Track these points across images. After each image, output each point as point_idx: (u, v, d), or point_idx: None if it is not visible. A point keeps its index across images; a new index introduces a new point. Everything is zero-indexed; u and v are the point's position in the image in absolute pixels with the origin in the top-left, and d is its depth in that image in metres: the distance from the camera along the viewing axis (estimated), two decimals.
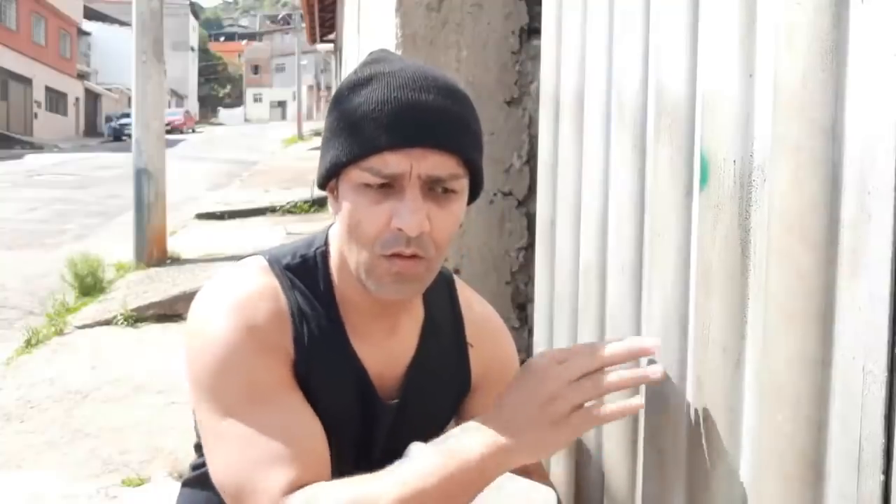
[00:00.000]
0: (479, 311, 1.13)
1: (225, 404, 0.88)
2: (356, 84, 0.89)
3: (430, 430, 1.01)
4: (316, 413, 0.93)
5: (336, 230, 0.98)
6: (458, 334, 1.10)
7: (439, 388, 1.07)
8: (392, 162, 0.85)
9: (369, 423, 1.00)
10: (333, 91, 0.98)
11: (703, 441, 0.89)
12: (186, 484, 1.12)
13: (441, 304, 1.08)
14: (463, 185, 0.90)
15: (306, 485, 0.84)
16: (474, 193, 0.95)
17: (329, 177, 0.92)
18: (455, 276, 1.15)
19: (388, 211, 0.86)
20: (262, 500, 0.83)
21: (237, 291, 0.93)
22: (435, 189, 0.87)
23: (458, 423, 1.08)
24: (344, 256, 0.94)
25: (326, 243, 1.00)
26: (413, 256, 0.87)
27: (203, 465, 1.05)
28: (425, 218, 0.86)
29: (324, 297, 0.97)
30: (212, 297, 0.94)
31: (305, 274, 0.98)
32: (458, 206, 0.90)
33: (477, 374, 1.11)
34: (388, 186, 0.86)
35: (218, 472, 0.88)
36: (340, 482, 0.85)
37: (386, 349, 1.01)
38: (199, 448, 1.08)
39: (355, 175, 0.87)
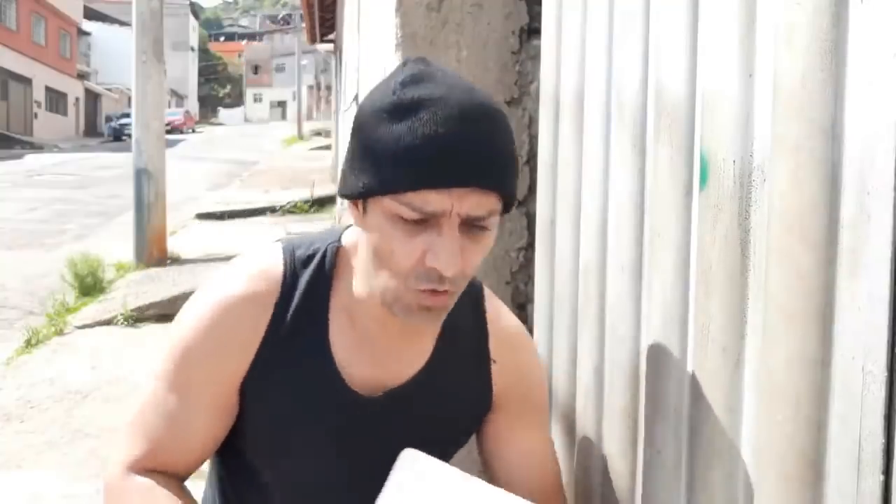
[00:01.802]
0: (506, 325, 1.09)
1: (164, 370, 0.98)
2: (399, 109, 0.83)
3: (441, 441, 1.03)
4: (280, 399, 0.97)
5: (355, 236, 0.98)
6: (480, 347, 1.06)
7: (452, 399, 1.04)
8: (433, 201, 0.82)
9: (345, 416, 0.98)
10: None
11: (703, 441, 0.89)
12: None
13: (464, 313, 1.04)
14: (497, 219, 0.88)
15: (149, 473, 0.96)
16: (505, 209, 0.92)
17: (358, 197, 0.89)
18: (486, 288, 1.10)
19: (423, 245, 0.84)
20: (114, 455, 0.99)
21: (226, 292, 0.97)
22: (471, 225, 0.85)
23: (479, 443, 1.10)
24: (362, 270, 0.95)
25: (340, 240, 1.01)
26: (445, 291, 0.87)
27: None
28: (461, 257, 0.85)
29: (319, 291, 0.99)
30: (212, 283, 1.00)
31: (311, 267, 0.99)
32: (490, 239, 0.89)
33: (499, 392, 1.07)
34: (424, 221, 0.84)
35: (136, 402, 1.01)
36: (156, 493, 0.94)
37: (385, 352, 1.00)
38: None
39: (391, 206, 0.84)
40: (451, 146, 0.82)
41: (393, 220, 0.85)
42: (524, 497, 0.95)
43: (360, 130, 0.88)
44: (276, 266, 0.99)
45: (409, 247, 0.85)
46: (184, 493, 0.97)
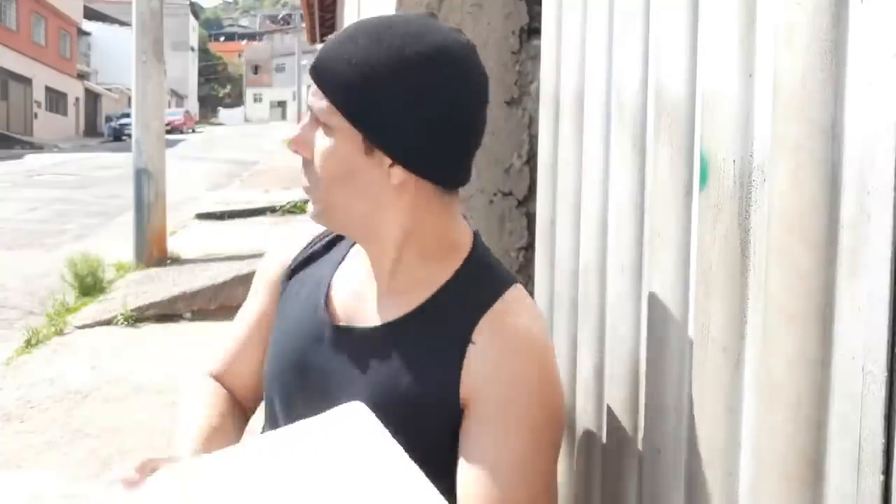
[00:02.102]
0: (511, 322, 0.96)
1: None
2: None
3: (397, 416, 0.89)
4: (283, 315, 1.09)
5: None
6: (466, 325, 0.95)
7: (414, 362, 0.95)
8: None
9: (311, 340, 1.03)
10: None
11: (703, 441, 0.89)
12: None
13: (471, 292, 0.98)
14: (341, 131, 0.93)
15: (219, 377, 1.15)
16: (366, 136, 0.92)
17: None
18: (521, 290, 1.01)
19: None
20: (207, 359, 1.18)
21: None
22: (319, 122, 0.95)
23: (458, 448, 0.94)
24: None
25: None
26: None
27: None
28: (301, 136, 0.98)
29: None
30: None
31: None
32: (329, 145, 0.95)
33: (471, 383, 0.93)
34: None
35: None
36: (206, 393, 1.12)
37: (379, 298, 1.00)
38: None
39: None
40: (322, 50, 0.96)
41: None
42: None
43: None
44: None
45: None
46: (231, 414, 1.11)
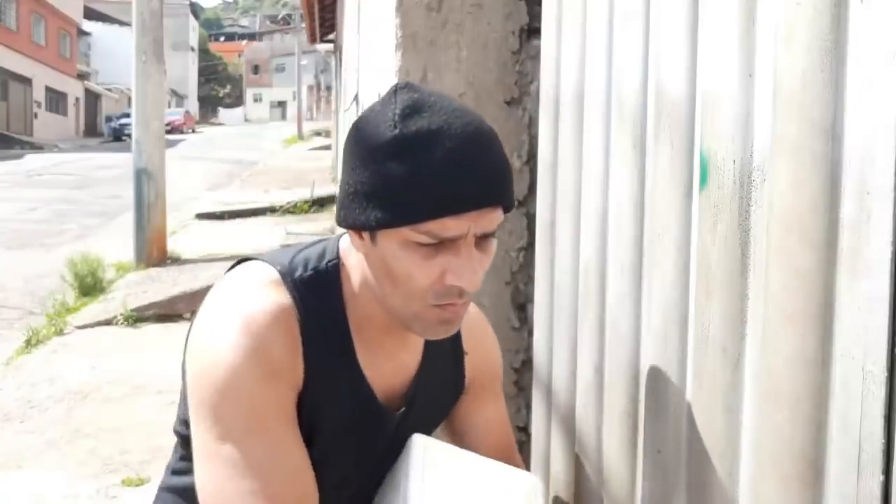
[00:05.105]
0: (473, 318, 1.15)
1: (223, 428, 0.88)
2: (402, 143, 0.85)
3: (429, 426, 1.11)
4: (321, 425, 0.95)
5: (349, 247, 0.98)
6: (456, 342, 1.12)
7: (439, 394, 1.11)
8: (452, 226, 0.85)
9: (374, 433, 1.03)
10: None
11: (703, 441, 0.89)
12: (168, 490, 1.10)
13: None
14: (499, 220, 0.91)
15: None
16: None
17: (370, 230, 0.89)
18: None
19: (441, 266, 0.87)
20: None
21: (248, 310, 0.91)
22: (481, 238, 0.89)
23: (448, 420, 1.20)
24: (369, 290, 0.95)
25: (338, 257, 0.99)
26: (463, 302, 0.91)
27: (185, 470, 1.05)
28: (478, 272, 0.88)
29: (334, 313, 0.97)
30: (221, 313, 0.92)
31: (317, 288, 0.97)
32: (495, 243, 0.92)
33: (469, 379, 1.15)
34: (440, 243, 0.86)
35: (203, 492, 0.89)
36: None
37: (395, 361, 1.03)
38: (180, 450, 1.08)
39: (407, 235, 0.86)
40: (465, 174, 0.84)
41: (409, 247, 0.87)
42: (491, 455, 1.10)
43: (364, 165, 0.88)
44: (277, 283, 0.95)
45: (427, 269, 0.87)
46: None
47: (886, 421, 0.62)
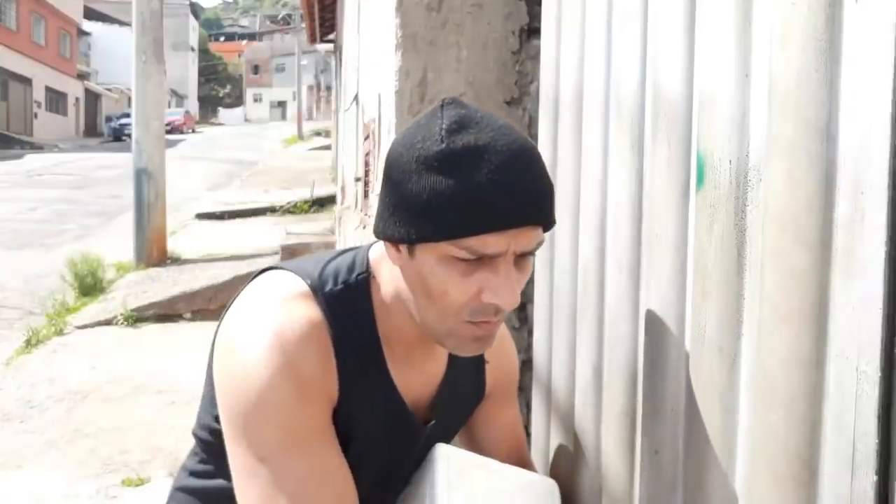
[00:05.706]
0: None
1: (260, 447, 0.88)
2: (448, 158, 0.85)
3: (451, 434, 1.16)
4: (353, 440, 0.96)
5: (380, 258, 0.97)
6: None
7: (462, 403, 1.15)
8: (493, 243, 0.85)
9: (405, 442, 1.04)
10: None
11: (700, 441, 0.89)
12: (184, 490, 1.09)
13: None
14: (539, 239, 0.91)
15: None
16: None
17: (408, 243, 0.88)
18: None
19: (478, 283, 0.87)
20: None
21: (280, 326, 0.90)
22: (520, 256, 0.88)
23: (464, 429, 1.23)
24: (402, 303, 0.95)
25: (368, 269, 0.99)
26: (498, 320, 0.91)
27: (204, 473, 1.06)
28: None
29: (366, 327, 0.97)
30: (253, 329, 0.91)
31: (348, 302, 0.96)
32: (532, 261, 0.92)
33: (490, 387, 1.19)
34: (478, 260, 0.86)
35: None
36: None
37: (422, 374, 1.05)
38: (201, 453, 1.07)
39: (446, 249, 0.86)
40: (508, 191, 0.84)
41: (447, 262, 0.86)
42: (506, 457, 1.16)
43: (407, 177, 0.87)
44: (308, 296, 0.95)
45: (465, 286, 0.87)
46: None
47: (880, 421, 0.62)
